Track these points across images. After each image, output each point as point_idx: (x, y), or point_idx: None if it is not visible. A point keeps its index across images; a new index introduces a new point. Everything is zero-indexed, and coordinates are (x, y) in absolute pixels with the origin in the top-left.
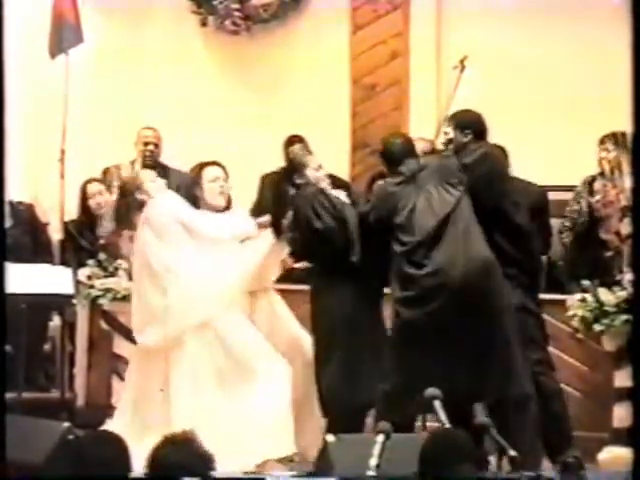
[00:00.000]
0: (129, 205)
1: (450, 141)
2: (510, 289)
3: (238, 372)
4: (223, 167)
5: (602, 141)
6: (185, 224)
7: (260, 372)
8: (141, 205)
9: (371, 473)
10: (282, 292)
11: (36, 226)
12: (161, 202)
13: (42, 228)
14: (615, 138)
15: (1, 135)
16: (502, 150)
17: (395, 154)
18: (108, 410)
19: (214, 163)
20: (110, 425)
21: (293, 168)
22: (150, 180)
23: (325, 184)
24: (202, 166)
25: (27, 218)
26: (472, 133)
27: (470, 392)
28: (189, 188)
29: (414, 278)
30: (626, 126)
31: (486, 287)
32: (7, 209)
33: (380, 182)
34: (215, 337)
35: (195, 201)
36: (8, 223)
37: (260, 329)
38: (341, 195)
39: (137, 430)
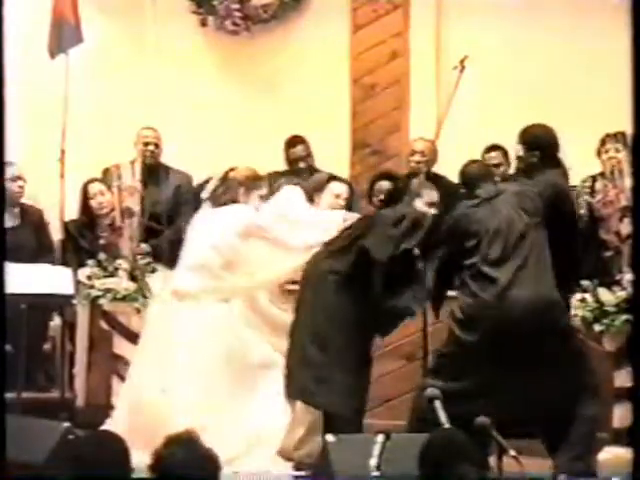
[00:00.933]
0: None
1: (520, 159)
2: (575, 330)
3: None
4: (350, 185)
5: (605, 141)
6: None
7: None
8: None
9: (371, 473)
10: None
11: (42, 229)
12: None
13: (47, 231)
14: (616, 138)
15: (1, 135)
16: (564, 172)
17: (472, 177)
18: (108, 410)
19: (344, 181)
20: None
21: (406, 192)
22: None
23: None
24: (332, 178)
25: (35, 220)
26: (540, 153)
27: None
28: (309, 189)
29: (476, 302)
30: (627, 126)
31: (549, 324)
32: (17, 210)
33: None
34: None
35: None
36: (16, 222)
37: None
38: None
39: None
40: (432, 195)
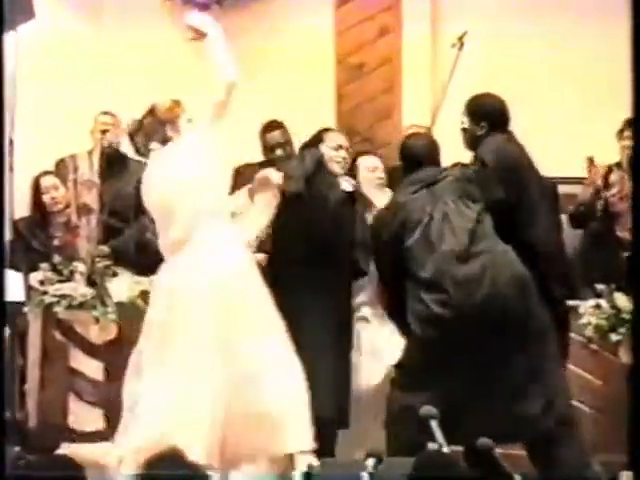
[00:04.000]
0: (149, 133)
1: (465, 131)
2: (546, 311)
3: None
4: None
5: (625, 128)
6: None
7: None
8: (164, 140)
9: None
10: None
11: None
12: None
13: None
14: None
15: (1, 135)
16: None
17: (416, 155)
18: (64, 432)
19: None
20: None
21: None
22: (187, 119)
23: None
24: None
25: None
26: (488, 125)
27: (502, 433)
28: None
29: (434, 299)
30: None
31: (520, 307)
32: None
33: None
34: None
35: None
36: None
37: None
38: None
39: None
40: (338, 138)
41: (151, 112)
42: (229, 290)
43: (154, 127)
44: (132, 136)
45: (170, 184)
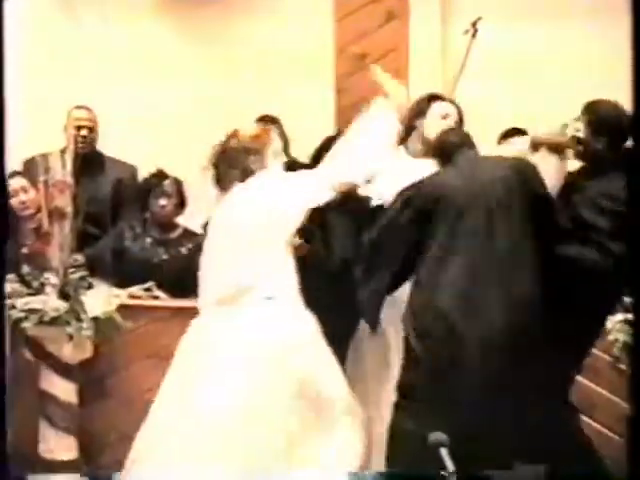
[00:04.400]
0: (231, 162)
1: (579, 141)
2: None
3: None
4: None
5: None
6: None
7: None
8: (245, 173)
9: None
10: None
11: None
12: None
13: None
14: None
15: (2, 136)
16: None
17: (449, 145)
18: (34, 461)
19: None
20: None
21: None
22: (274, 150)
23: None
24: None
25: None
26: (607, 140)
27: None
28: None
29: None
30: None
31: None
32: None
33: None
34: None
35: None
36: None
37: None
38: None
39: None
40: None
41: (234, 136)
42: (298, 358)
43: (236, 155)
44: (215, 165)
45: (248, 225)
